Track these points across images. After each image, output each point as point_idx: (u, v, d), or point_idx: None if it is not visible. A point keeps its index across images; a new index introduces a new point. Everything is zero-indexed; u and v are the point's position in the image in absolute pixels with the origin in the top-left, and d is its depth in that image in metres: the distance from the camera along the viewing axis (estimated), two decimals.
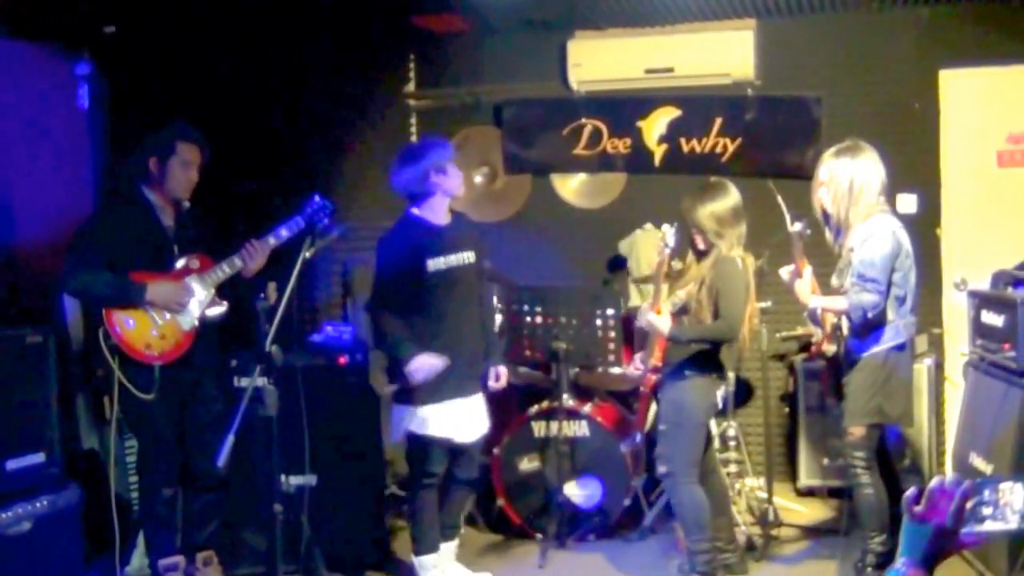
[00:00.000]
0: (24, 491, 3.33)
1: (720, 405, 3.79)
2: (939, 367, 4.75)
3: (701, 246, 3.64)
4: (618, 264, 5.02)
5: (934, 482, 1.37)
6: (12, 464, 3.32)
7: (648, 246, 4.84)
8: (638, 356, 3.98)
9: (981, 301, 3.97)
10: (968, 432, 3.95)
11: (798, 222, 3.54)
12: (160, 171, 3.64)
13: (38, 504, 3.33)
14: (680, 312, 3.64)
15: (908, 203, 4.70)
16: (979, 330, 3.97)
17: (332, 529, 4.01)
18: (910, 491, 1.39)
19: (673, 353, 3.70)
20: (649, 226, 4.90)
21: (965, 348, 4.10)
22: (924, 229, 4.69)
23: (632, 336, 4.46)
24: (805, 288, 3.64)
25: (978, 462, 3.75)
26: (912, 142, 4.84)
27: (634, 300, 4.93)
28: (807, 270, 3.64)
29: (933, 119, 4.85)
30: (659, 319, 3.57)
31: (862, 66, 4.93)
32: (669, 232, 3.56)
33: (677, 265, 4.32)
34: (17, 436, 3.36)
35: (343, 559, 4.01)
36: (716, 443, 4.59)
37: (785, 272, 3.69)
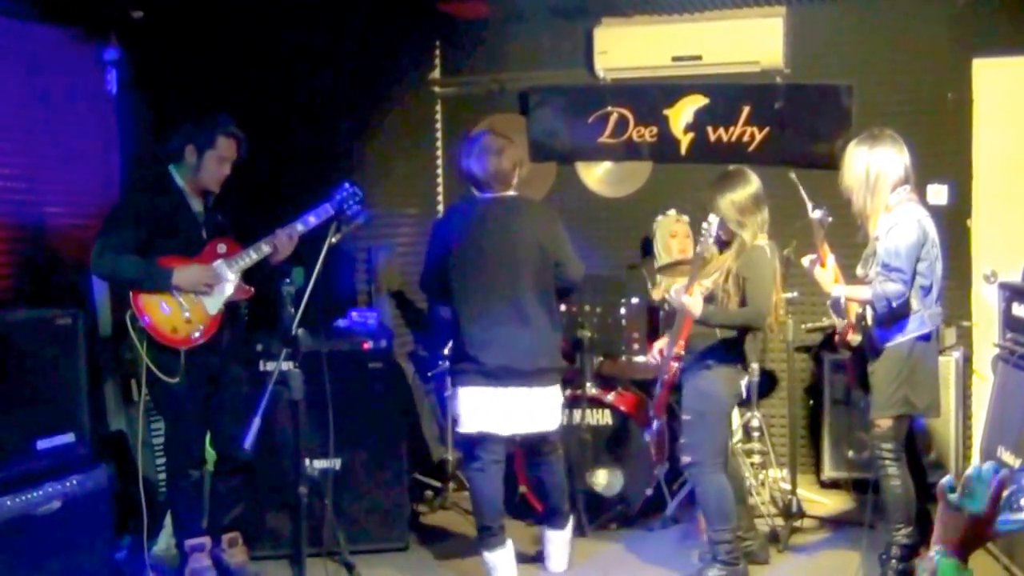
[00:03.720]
0: (54, 471, 3.38)
1: (744, 395, 3.76)
2: (967, 360, 4.70)
3: (724, 236, 3.61)
4: (649, 249, 4.99)
5: (970, 470, 1.36)
6: (43, 444, 3.37)
7: (664, 232, 4.83)
8: (657, 344, 3.97)
9: (1012, 294, 3.92)
10: (997, 426, 3.91)
11: (818, 209, 3.50)
12: (196, 161, 3.67)
13: (68, 484, 3.38)
14: (706, 301, 3.62)
15: (939, 194, 4.64)
16: (1009, 323, 3.92)
17: (355, 512, 4.05)
18: (945, 478, 1.38)
19: (697, 342, 3.67)
20: (672, 212, 4.88)
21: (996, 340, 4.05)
22: (955, 221, 4.64)
23: (657, 325, 4.44)
24: (828, 277, 3.60)
25: (1007, 456, 3.70)
26: (944, 132, 4.77)
27: (657, 293, 4.90)
28: (830, 259, 3.60)
29: (966, 109, 4.77)
30: (691, 300, 3.51)
31: (894, 54, 4.86)
32: (715, 222, 3.53)
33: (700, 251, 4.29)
34: (47, 416, 3.41)
35: (366, 542, 4.05)
36: (740, 434, 4.58)
37: (808, 260, 3.66)
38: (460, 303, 3.64)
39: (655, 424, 4.30)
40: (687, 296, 3.52)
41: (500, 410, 3.61)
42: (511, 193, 3.71)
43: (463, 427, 3.69)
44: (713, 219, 3.51)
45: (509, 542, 3.74)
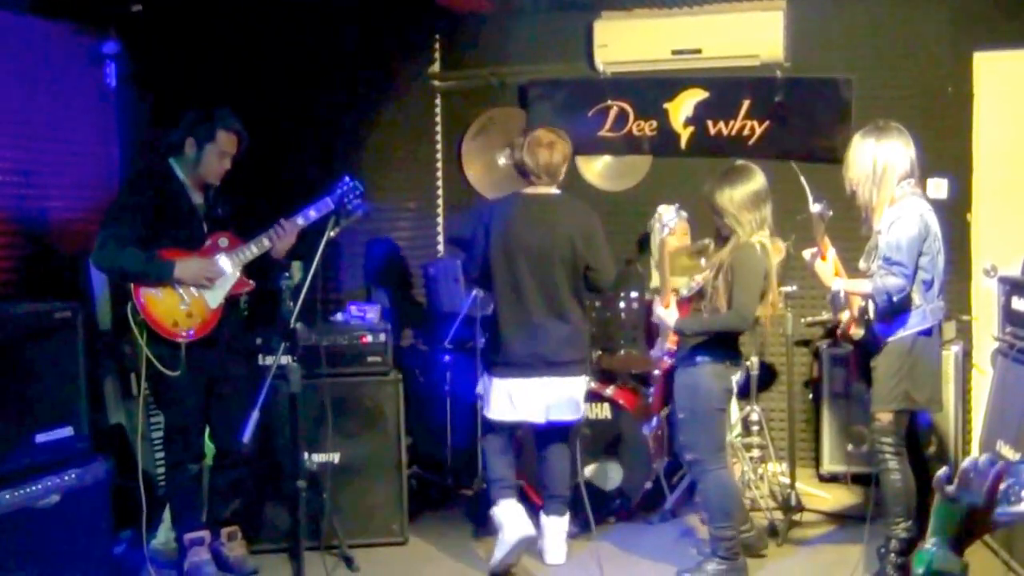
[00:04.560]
0: (53, 464, 3.37)
1: (735, 390, 3.76)
2: (967, 354, 4.70)
3: (723, 231, 3.61)
4: (644, 245, 5.00)
5: (967, 462, 1.35)
6: (41, 437, 3.36)
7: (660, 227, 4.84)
8: (658, 340, 3.99)
9: (1011, 288, 3.91)
10: (996, 419, 3.90)
11: (818, 203, 3.49)
12: (196, 154, 3.66)
13: (67, 477, 3.37)
14: (696, 296, 3.62)
15: (939, 188, 4.63)
16: (1009, 317, 3.91)
17: (354, 506, 4.05)
18: (942, 471, 1.37)
19: (687, 338, 3.67)
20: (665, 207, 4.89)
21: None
22: (955, 214, 4.63)
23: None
24: (828, 270, 3.59)
25: (1006, 450, 3.70)
26: (944, 126, 4.76)
27: (654, 281, 4.91)
28: (830, 252, 3.59)
29: (966, 102, 4.76)
30: (666, 313, 3.59)
31: (894, 48, 4.85)
32: (667, 212, 3.54)
33: (697, 248, 4.29)
34: (46, 410, 3.40)
35: (365, 536, 4.05)
36: (738, 427, 4.58)
37: (808, 254, 3.65)
38: (498, 294, 3.77)
39: (655, 420, 4.32)
40: (661, 308, 3.60)
41: (530, 399, 3.76)
42: (555, 191, 3.83)
43: (492, 414, 3.83)
44: (663, 209, 3.55)
45: (516, 499, 3.83)
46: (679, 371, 3.68)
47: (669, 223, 3.59)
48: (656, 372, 3.79)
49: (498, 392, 3.79)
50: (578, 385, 3.82)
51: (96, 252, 3.58)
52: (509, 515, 3.80)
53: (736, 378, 3.69)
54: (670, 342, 3.76)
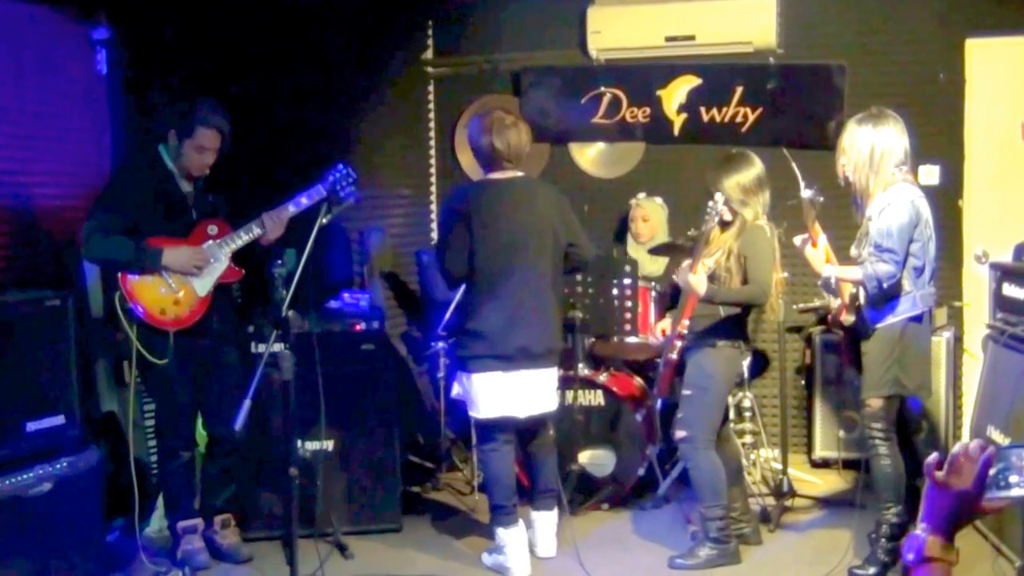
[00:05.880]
0: (45, 453, 3.36)
1: (745, 375, 3.79)
2: (958, 340, 4.72)
3: (727, 216, 3.63)
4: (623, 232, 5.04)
5: (957, 447, 1.36)
6: (32, 426, 3.36)
7: (635, 215, 4.89)
8: (660, 324, 4.00)
9: (1003, 274, 3.92)
10: (987, 405, 3.92)
11: (809, 189, 3.50)
12: (177, 146, 3.64)
13: (58, 466, 3.37)
14: (708, 280, 3.64)
15: (931, 174, 4.65)
16: (1000, 303, 3.93)
17: (348, 494, 4.06)
18: (932, 456, 1.38)
19: (700, 321, 3.70)
20: (642, 195, 4.91)
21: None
22: (946, 201, 4.64)
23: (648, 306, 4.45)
24: (819, 257, 3.61)
25: (996, 435, 3.72)
26: (936, 112, 4.77)
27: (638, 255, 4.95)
28: (822, 238, 3.60)
29: (958, 89, 4.77)
30: (696, 279, 3.57)
31: (887, 34, 4.85)
32: (720, 200, 3.55)
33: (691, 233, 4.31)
34: (37, 398, 3.39)
35: (359, 524, 4.06)
36: (731, 413, 4.59)
37: (799, 240, 3.66)
38: (481, 287, 3.61)
39: (658, 403, 4.33)
40: (692, 275, 3.57)
41: (516, 393, 3.65)
42: (521, 173, 3.71)
43: (480, 412, 3.68)
44: (719, 197, 3.55)
45: (522, 522, 3.76)
46: (694, 351, 3.71)
47: (719, 211, 3.59)
48: (673, 356, 3.74)
49: (482, 390, 3.64)
50: (553, 376, 3.77)
51: (84, 241, 3.57)
52: (517, 549, 3.68)
53: (746, 363, 3.73)
54: (681, 326, 3.75)
